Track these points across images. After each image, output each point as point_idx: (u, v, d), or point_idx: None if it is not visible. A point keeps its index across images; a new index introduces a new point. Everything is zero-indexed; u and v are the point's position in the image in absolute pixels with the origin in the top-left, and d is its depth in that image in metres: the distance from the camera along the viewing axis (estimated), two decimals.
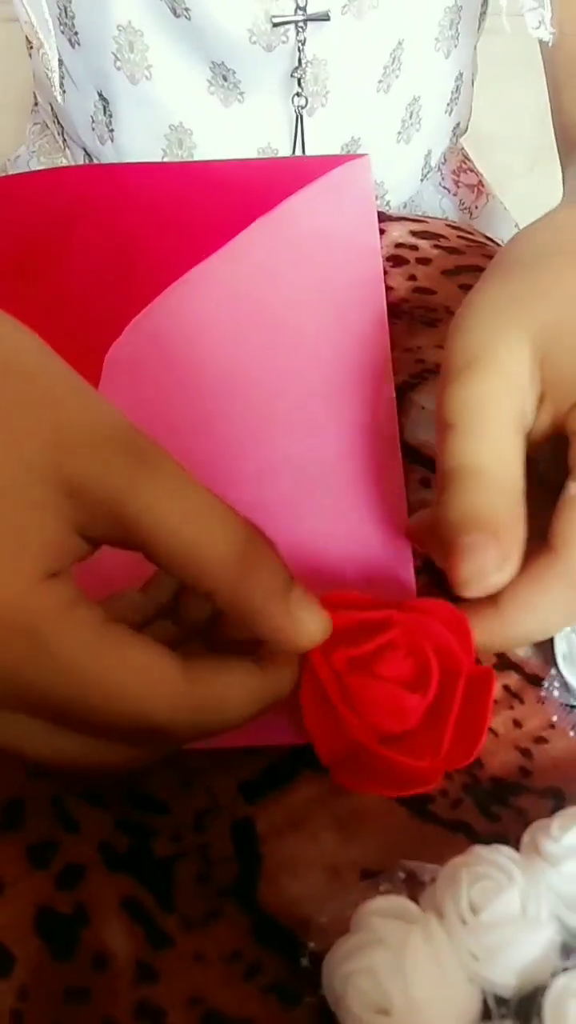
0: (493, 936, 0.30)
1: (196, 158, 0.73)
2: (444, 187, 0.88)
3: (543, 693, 0.41)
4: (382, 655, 0.36)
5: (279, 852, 0.37)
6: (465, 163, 0.91)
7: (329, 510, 0.46)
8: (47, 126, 0.83)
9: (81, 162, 0.79)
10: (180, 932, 0.36)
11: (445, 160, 0.85)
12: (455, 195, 0.87)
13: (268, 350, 0.53)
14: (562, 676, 0.40)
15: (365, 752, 0.35)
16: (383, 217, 0.60)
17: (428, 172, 0.80)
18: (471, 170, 0.90)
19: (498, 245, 0.63)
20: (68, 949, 0.35)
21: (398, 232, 0.60)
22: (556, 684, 0.40)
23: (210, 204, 0.61)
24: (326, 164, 0.64)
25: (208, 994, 0.34)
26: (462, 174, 0.90)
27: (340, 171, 0.63)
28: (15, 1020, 0.34)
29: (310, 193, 0.62)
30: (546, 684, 0.41)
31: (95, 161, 0.77)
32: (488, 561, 0.34)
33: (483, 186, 0.89)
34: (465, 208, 0.87)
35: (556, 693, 0.40)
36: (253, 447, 0.49)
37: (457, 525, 0.35)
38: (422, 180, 0.81)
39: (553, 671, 0.41)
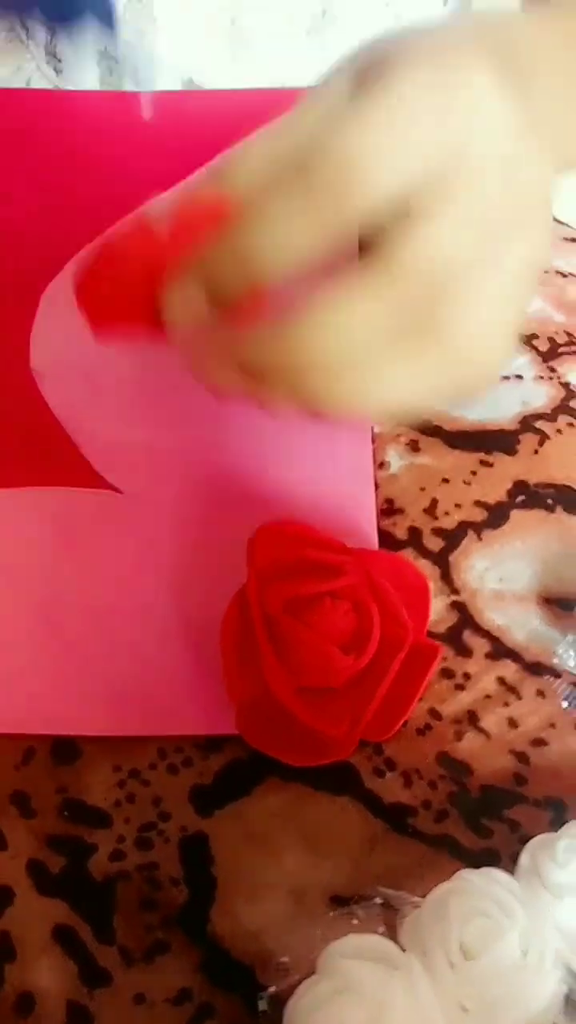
0: (488, 987, 0.25)
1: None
2: None
3: (555, 661, 0.36)
4: (323, 604, 0.33)
5: (236, 874, 0.32)
6: None
7: (293, 456, 0.42)
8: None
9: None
10: (119, 968, 0.30)
11: None
12: None
13: None
14: None
15: (277, 705, 0.32)
16: None
17: None
18: None
19: None
20: None
21: None
22: (573, 652, 0.36)
23: (170, 137, 0.55)
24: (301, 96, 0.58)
25: None
26: None
27: None
28: None
29: None
30: (560, 651, 0.36)
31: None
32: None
33: None
34: None
35: (572, 663, 0.35)
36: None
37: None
38: None
39: (570, 636, 0.36)
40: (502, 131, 0.33)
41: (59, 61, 0.69)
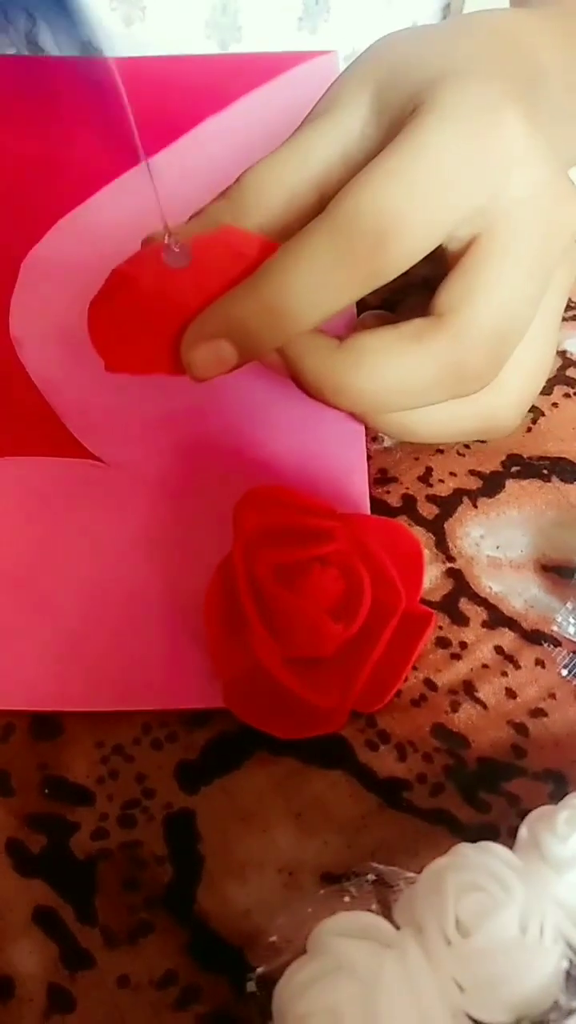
0: (485, 965, 0.24)
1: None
2: None
3: (555, 629, 0.35)
4: (311, 570, 0.32)
5: (223, 851, 0.31)
6: None
7: (283, 423, 0.41)
8: None
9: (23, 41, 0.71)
10: (102, 949, 0.29)
11: None
12: None
13: None
14: None
15: (266, 675, 0.31)
16: None
17: None
18: None
19: None
20: None
21: None
22: (572, 619, 0.34)
23: (156, 103, 0.54)
24: (289, 61, 0.57)
25: None
26: None
27: (304, 68, 0.56)
28: None
29: (269, 90, 0.55)
30: (559, 619, 0.35)
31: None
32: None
33: None
34: None
35: (572, 630, 0.34)
36: None
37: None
38: None
39: (570, 604, 0.35)
40: (537, 171, 0.32)
41: (41, 50, 0.67)
